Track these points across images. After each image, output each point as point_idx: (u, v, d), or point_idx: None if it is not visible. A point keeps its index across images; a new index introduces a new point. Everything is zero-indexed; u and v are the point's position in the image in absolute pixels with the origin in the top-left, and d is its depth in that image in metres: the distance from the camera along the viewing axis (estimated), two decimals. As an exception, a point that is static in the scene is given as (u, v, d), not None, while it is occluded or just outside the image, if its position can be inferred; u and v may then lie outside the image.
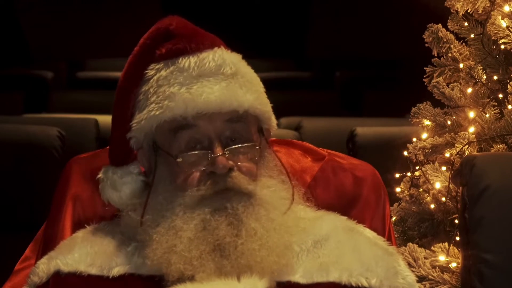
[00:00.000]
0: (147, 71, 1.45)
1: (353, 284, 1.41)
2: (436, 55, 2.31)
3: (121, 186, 1.49)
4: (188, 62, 1.42)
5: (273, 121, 1.51)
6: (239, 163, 1.41)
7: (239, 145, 1.41)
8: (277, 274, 1.38)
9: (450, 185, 2.15)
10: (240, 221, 1.37)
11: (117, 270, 1.42)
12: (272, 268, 1.36)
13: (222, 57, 1.44)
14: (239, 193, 1.39)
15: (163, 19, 1.48)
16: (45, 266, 1.47)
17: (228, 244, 1.36)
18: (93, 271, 1.43)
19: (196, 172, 1.40)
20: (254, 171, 1.43)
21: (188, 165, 1.41)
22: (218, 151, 1.39)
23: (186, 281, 1.35)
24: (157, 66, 1.44)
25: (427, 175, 2.22)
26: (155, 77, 1.44)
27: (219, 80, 1.42)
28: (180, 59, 1.43)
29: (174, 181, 1.42)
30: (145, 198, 1.44)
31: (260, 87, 1.48)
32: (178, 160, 1.41)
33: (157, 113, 1.41)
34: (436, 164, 2.22)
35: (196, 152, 1.41)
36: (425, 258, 2.09)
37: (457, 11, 2.29)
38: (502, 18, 2.18)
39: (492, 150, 2.15)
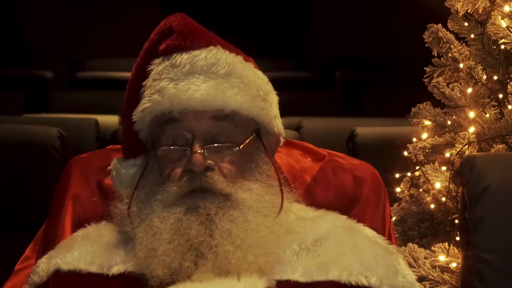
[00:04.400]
0: (149, 66, 1.47)
1: (353, 283, 1.41)
2: (436, 55, 2.31)
3: (125, 178, 1.51)
4: (181, 58, 1.43)
5: (277, 126, 1.50)
6: (220, 163, 1.41)
7: (216, 145, 1.41)
8: (264, 272, 1.37)
9: (450, 185, 2.15)
10: (212, 222, 1.37)
11: (117, 268, 1.42)
12: (250, 269, 1.36)
13: (216, 56, 1.44)
14: (215, 194, 1.39)
15: (170, 16, 1.50)
16: (45, 265, 1.47)
17: (202, 244, 1.36)
18: (93, 269, 1.43)
19: (178, 168, 1.41)
20: (235, 173, 1.42)
21: (168, 160, 1.42)
22: (196, 148, 1.39)
23: (185, 279, 1.36)
24: (157, 61, 1.47)
25: (427, 175, 2.22)
26: (152, 72, 1.46)
27: (209, 78, 1.42)
28: (175, 55, 1.44)
29: (160, 175, 1.44)
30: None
31: (258, 91, 1.46)
32: (158, 154, 1.43)
33: (148, 105, 1.44)
34: (436, 164, 2.22)
35: (173, 148, 1.42)
36: (425, 258, 2.09)
37: (457, 11, 2.29)
38: (502, 18, 2.18)
39: (492, 150, 2.15)
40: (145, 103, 1.44)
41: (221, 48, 1.46)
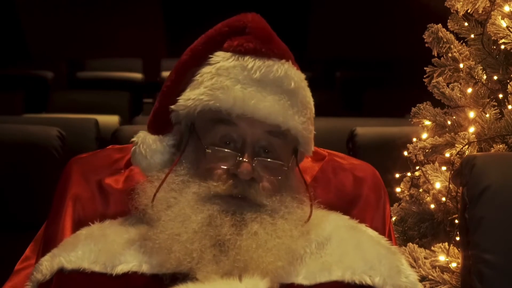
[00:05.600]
0: (212, 56, 1.46)
1: (357, 282, 1.41)
2: (436, 55, 2.31)
3: (152, 153, 1.51)
4: (253, 63, 1.43)
5: (311, 147, 1.51)
6: (265, 177, 1.42)
7: (269, 159, 1.42)
8: (275, 276, 1.37)
9: (450, 185, 2.15)
10: (244, 224, 1.38)
11: (121, 268, 1.42)
12: (267, 268, 1.36)
13: (286, 71, 1.44)
14: (253, 205, 1.40)
15: (246, 14, 1.49)
16: (48, 264, 1.47)
17: (228, 241, 1.36)
18: (97, 268, 1.43)
19: (220, 168, 1.41)
20: (275, 188, 1.43)
21: (215, 159, 1.42)
22: (247, 157, 1.40)
23: (187, 280, 1.36)
24: (224, 55, 1.45)
25: (427, 175, 2.22)
26: (217, 65, 1.45)
27: (275, 92, 1.42)
28: (247, 57, 1.44)
29: (198, 167, 1.43)
30: (165, 174, 1.44)
31: (311, 113, 1.48)
32: (207, 150, 1.41)
33: (206, 98, 1.42)
34: (436, 164, 2.22)
35: (226, 150, 1.41)
36: (425, 258, 2.09)
37: (457, 11, 2.29)
38: (502, 18, 2.18)
39: (492, 150, 2.15)
40: (203, 95, 1.42)
41: (291, 63, 1.46)
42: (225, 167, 1.41)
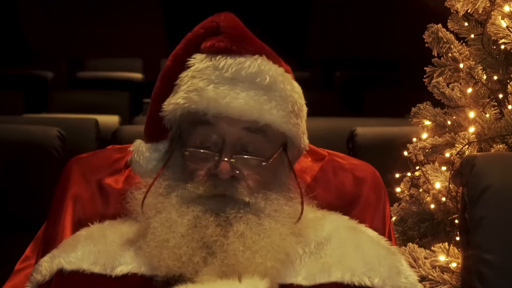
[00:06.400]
0: (190, 59, 1.46)
1: (356, 283, 1.41)
2: (436, 55, 2.31)
3: (146, 161, 1.51)
4: (225, 62, 1.42)
5: (302, 141, 1.49)
6: (246, 173, 1.41)
7: (246, 157, 1.41)
8: (267, 276, 1.37)
9: (450, 185, 2.15)
10: (229, 224, 1.38)
11: (120, 269, 1.42)
12: (257, 270, 1.36)
13: (259, 66, 1.43)
14: (236, 202, 1.39)
15: (220, 14, 1.49)
16: (48, 264, 1.47)
17: (214, 243, 1.36)
18: (96, 269, 1.43)
19: (202, 169, 1.41)
20: (259, 185, 1.42)
21: (194, 160, 1.42)
22: (225, 156, 1.39)
23: (187, 281, 1.36)
24: (199, 57, 1.46)
25: (427, 175, 2.22)
26: (192, 67, 1.45)
27: (249, 88, 1.41)
28: (219, 57, 1.43)
29: (182, 170, 1.43)
30: (152, 179, 1.45)
31: (294, 106, 1.45)
32: (185, 153, 1.42)
33: (182, 102, 1.43)
34: (436, 164, 2.22)
35: (203, 151, 1.41)
36: (425, 258, 2.09)
37: (457, 11, 2.29)
38: (502, 18, 2.18)
39: (492, 150, 2.15)
40: (179, 99, 1.43)
41: (266, 58, 1.44)
42: (206, 168, 1.41)
